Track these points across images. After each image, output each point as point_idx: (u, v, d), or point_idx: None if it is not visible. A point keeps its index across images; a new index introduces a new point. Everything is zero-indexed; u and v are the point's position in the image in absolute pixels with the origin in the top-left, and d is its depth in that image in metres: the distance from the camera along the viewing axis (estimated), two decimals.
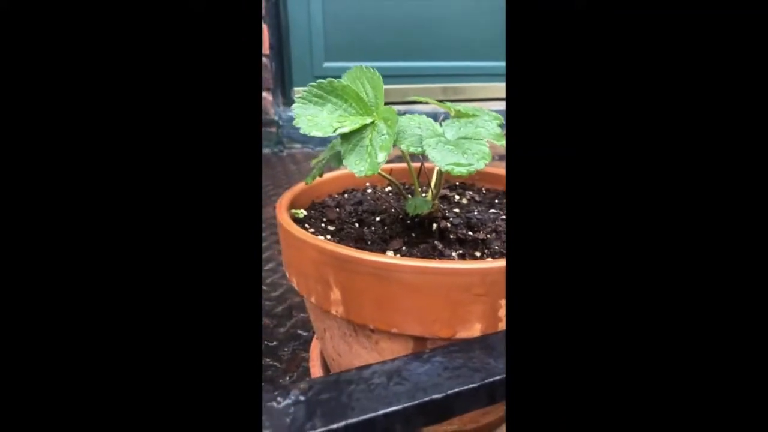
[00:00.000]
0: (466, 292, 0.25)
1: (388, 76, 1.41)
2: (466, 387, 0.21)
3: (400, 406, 0.20)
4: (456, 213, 0.41)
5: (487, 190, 0.47)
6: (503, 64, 1.60)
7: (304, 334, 0.53)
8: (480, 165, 0.28)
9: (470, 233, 0.36)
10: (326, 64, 1.31)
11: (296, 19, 1.26)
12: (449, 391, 0.20)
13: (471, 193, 0.46)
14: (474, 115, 0.34)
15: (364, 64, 0.32)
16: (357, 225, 0.39)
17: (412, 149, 0.30)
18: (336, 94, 0.31)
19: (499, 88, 1.61)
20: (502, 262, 0.25)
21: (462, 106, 0.37)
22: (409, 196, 0.41)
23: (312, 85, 0.30)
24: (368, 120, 0.31)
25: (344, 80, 0.32)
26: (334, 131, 0.29)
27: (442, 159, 0.28)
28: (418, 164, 0.41)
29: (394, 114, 0.31)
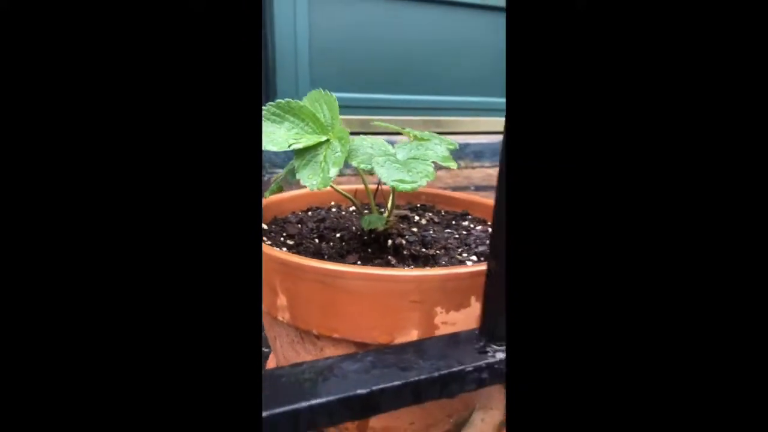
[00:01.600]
0: (402, 299, 0.27)
1: (370, 108, 1.46)
2: (390, 384, 0.22)
3: (323, 399, 0.21)
4: (413, 232, 0.42)
5: (446, 212, 0.49)
6: (486, 99, 1.67)
7: (266, 350, 0.53)
8: (423, 182, 0.30)
9: (423, 250, 0.38)
10: None
11: (283, 50, 1.31)
12: (373, 387, 0.22)
13: (431, 214, 0.48)
14: (427, 140, 0.37)
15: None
16: (317, 241, 0.40)
17: (362, 166, 0.32)
18: (293, 113, 0.33)
19: (481, 122, 1.66)
20: (437, 271, 0.27)
21: (419, 132, 0.39)
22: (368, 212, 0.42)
23: (270, 104, 0.33)
24: (323, 138, 0.33)
25: (303, 102, 0.35)
26: (289, 146, 0.31)
27: (389, 176, 0.30)
28: (375, 186, 0.43)
29: (347, 134, 0.33)
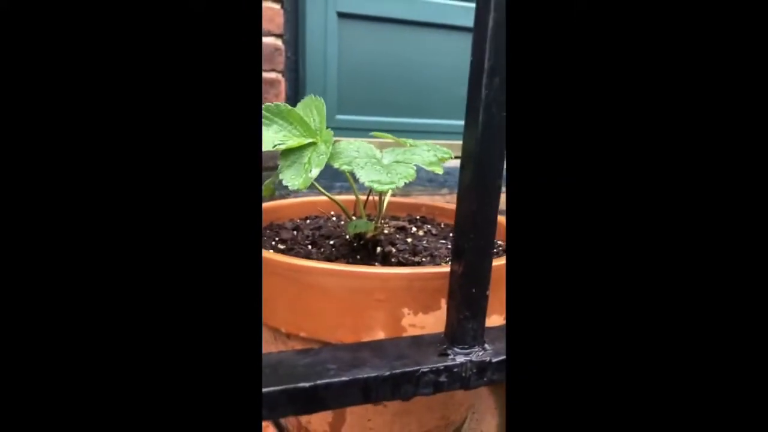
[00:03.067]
0: (367, 297, 0.26)
1: (396, 131, 1.48)
2: (337, 379, 0.21)
3: (265, 390, 0.20)
4: (406, 242, 0.42)
5: (445, 224, 0.48)
6: None
7: None
8: (400, 183, 0.30)
9: (413, 258, 0.37)
10: (338, 117, 1.39)
11: (313, 73, 1.36)
12: (318, 381, 0.21)
13: (429, 226, 0.47)
14: (416, 146, 0.36)
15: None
16: (309, 247, 0.41)
17: (344, 168, 0.32)
18: (282, 116, 0.34)
19: None
20: (402, 269, 0.26)
21: (413, 141, 0.39)
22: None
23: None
24: (310, 140, 0.33)
25: (298, 108, 0.36)
26: (274, 147, 0.32)
27: (366, 176, 0.30)
28: (365, 195, 0.43)
29: (332, 137, 0.33)
